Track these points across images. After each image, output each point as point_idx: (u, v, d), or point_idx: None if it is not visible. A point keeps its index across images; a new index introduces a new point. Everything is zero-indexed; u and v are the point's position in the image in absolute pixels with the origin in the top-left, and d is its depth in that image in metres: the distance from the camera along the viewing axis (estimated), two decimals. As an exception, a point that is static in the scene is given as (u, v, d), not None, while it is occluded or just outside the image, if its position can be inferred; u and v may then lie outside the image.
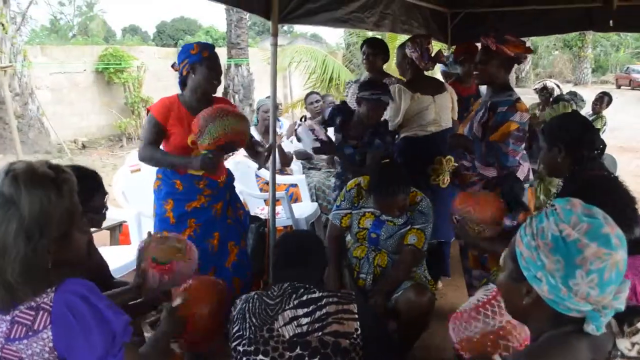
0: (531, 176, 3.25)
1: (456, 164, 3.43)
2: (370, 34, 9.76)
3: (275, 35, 3.59)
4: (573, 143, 2.34)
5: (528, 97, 14.41)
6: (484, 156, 3.11)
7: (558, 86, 6.65)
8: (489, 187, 3.04)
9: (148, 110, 3.10)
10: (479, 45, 3.23)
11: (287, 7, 3.62)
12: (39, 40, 26.34)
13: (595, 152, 2.37)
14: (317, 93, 5.69)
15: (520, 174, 3.08)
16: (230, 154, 3.14)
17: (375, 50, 4.14)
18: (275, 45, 3.61)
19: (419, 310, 2.74)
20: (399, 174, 2.91)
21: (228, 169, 3.35)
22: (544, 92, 6.55)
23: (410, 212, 2.99)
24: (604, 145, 2.41)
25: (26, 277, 1.28)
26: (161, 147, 3.08)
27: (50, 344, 1.29)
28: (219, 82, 3.13)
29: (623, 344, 1.23)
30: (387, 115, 3.77)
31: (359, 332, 1.95)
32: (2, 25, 10.23)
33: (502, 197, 2.87)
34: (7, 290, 1.28)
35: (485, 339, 1.82)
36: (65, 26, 32.23)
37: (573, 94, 6.72)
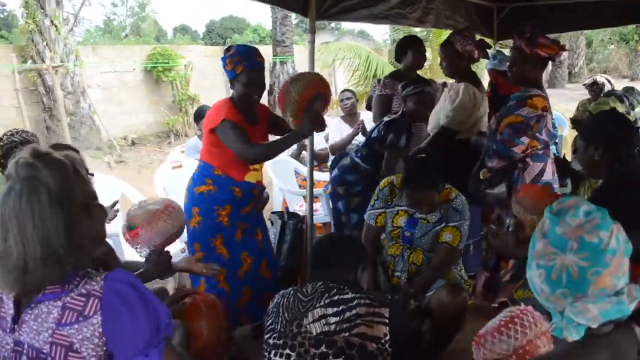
0: (546, 177, 3.05)
1: None
2: (416, 30, 9.67)
3: (312, 32, 3.59)
4: (610, 140, 2.25)
5: (579, 92, 13.95)
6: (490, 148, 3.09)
7: (609, 81, 6.37)
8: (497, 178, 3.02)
9: (222, 120, 2.94)
10: None
11: (324, 4, 3.61)
12: (93, 40, 27.15)
13: (635, 149, 2.26)
14: (350, 91, 5.78)
15: (527, 176, 3.00)
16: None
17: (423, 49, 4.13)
18: (312, 42, 3.60)
19: (451, 310, 2.68)
20: (431, 169, 2.84)
21: None
22: (594, 87, 6.30)
23: (444, 210, 2.93)
24: None
25: (71, 242, 1.31)
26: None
27: (100, 329, 1.31)
28: (260, 94, 3.09)
29: None
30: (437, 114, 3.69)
31: (387, 337, 1.93)
32: (55, 26, 10.57)
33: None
34: (57, 262, 1.30)
35: None
36: (118, 26, 33.10)
37: (630, 90, 6.42)
